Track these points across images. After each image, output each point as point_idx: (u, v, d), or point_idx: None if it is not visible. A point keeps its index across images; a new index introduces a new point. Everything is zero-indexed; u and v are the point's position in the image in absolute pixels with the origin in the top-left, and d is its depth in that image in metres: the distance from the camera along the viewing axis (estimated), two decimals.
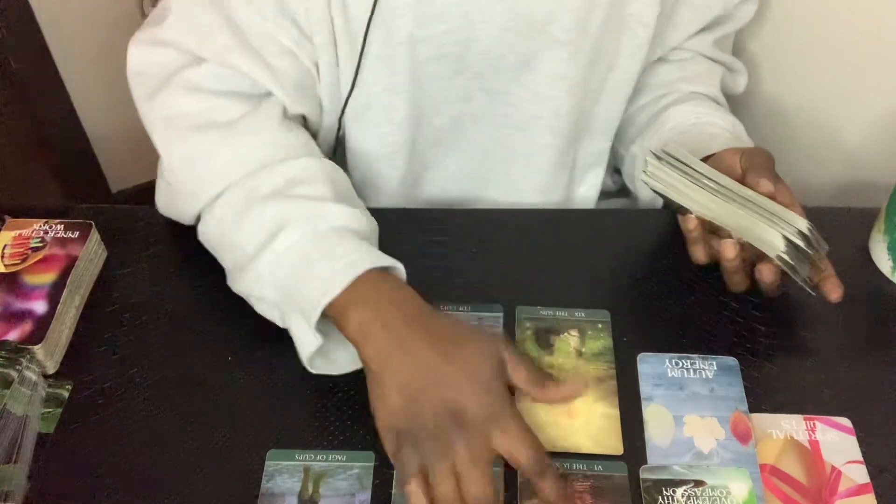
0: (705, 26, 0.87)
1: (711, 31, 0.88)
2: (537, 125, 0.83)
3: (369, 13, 0.72)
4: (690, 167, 0.69)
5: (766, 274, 0.67)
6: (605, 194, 0.98)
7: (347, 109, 0.80)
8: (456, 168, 0.87)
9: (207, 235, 0.73)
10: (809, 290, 0.67)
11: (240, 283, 0.69)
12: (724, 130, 0.82)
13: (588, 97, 0.83)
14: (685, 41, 0.88)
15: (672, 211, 0.73)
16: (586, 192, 0.92)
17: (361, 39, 0.74)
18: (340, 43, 0.74)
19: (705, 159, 0.75)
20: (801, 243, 0.65)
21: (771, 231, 0.66)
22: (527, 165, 0.86)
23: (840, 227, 0.79)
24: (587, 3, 0.75)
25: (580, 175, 0.90)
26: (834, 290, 0.68)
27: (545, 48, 0.77)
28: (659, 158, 0.70)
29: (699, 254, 0.71)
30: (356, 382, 0.67)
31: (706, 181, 0.68)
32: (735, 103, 0.92)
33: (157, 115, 0.74)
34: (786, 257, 0.65)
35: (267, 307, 0.69)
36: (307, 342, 0.64)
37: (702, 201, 0.68)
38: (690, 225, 0.69)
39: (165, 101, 0.73)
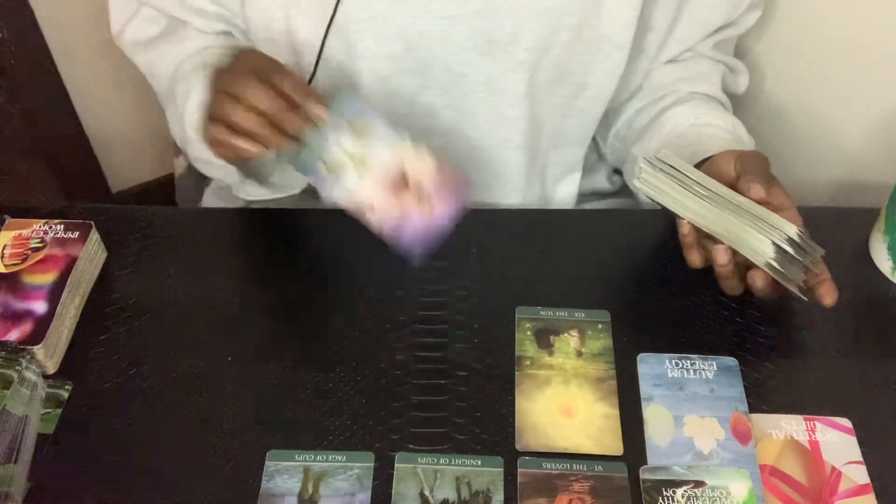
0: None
1: (713, 35, 0.88)
2: (507, 147, 0.83)
3: (326, 24, 0.74)
4: (683, 174, 0.69)
5: (757, 280, 0.67)
6: (605, 194, 0.98)
7: None
8: None
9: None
10: (802, 297, 0.67)
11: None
12: (723, 131, 0.82)
13: (555, 114, 0.83)
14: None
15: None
16: (563, 197, 0.92)
17: (318, 47, 0.76)
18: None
19: (703, 161, 0.75)
20: (790, 250, 0.65)
21: (760, 237, 0.65)
22: (500, 183, 0.87)
23: (840, 227, 0.79)
24: (551, 24, 0.75)
25: (552, 184, 0.91)
26: (828, 295, 0.67)
27: (508, 69, 0.78)
28: (652, 165, 0.70)
29: (694, 258, 0.71)
30: (356, 382, 0.68)
31: (698, 188, 0.68)
32: (736, 103, 0.92)
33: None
34: (775, 264, 0.65)
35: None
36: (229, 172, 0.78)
37: (693, 208, 0.68)
38: (684, 230, 0.69)
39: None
